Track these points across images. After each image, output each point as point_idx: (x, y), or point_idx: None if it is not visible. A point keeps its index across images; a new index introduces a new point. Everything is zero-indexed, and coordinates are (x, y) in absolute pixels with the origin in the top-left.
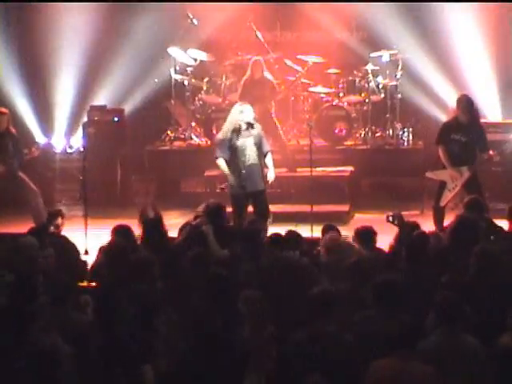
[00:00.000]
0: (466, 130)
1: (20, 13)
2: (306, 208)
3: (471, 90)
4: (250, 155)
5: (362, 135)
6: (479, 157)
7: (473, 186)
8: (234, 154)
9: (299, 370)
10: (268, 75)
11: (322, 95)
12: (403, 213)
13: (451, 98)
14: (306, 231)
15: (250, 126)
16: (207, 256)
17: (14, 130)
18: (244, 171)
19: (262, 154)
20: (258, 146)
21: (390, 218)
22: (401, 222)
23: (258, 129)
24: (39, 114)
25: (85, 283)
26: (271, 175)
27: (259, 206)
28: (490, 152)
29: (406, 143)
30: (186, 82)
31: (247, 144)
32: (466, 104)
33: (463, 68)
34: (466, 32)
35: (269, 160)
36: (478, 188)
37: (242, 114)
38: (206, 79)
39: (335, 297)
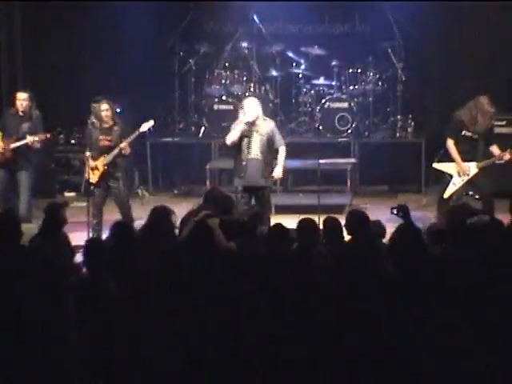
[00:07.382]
0: (479, 128)
1: (24, 10)
2: (309, 199)
3: (475, 81)
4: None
5: (364, 127)
6: (487, 152)
7: (480, 182)
8: None
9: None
10: None
11: (325, 87)
12: None
13: (453, 90)
14: None
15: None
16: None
17: (37, 113)
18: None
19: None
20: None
21: (395, 211)
22: (406, 213)
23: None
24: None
25: None
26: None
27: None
28: (495, 147)
29: (407, 135)
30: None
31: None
32: (489, 108)
33: (466, 59)
34: (469, 22)
35: None
36: (485, 184)
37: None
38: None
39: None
